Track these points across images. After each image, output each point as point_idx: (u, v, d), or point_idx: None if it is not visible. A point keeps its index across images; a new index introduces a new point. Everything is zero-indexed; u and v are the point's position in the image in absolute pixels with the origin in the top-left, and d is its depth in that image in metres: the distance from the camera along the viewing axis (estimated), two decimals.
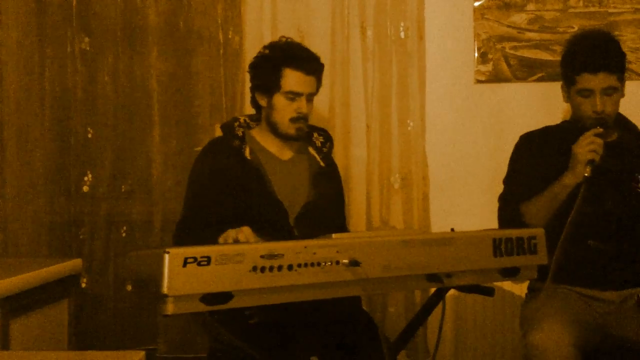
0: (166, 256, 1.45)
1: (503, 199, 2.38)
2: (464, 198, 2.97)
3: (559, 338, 1.95)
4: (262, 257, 1.54)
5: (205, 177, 2.21)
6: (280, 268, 1.55)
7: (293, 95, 2.18)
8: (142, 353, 1.69)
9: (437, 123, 2.98)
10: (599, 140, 2.13)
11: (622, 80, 2.24)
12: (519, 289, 2.69)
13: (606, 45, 2.24)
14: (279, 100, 2.19)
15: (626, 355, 2.15)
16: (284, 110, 2.19)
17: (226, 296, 1.52)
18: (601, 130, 2.15)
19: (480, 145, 2.98)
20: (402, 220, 2.90)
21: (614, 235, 2.22)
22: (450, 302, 2.84)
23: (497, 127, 2.95)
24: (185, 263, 1.46)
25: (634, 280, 2.20)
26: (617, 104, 2.24)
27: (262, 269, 1.54)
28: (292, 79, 2.17)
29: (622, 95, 2.27)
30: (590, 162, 2.10)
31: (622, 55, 2.26)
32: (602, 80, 2.17)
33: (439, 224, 2.92)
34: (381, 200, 2.90)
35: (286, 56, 2.19)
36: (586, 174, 2.09)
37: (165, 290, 1.45)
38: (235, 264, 1.51)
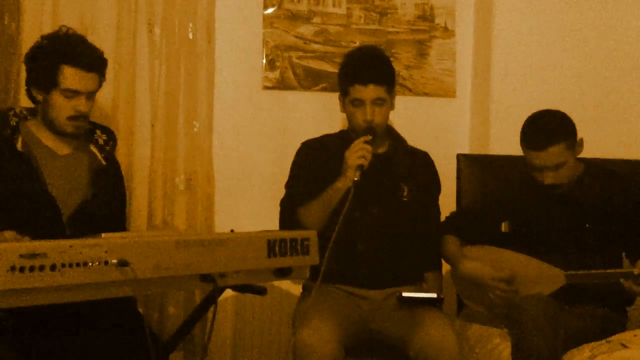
0: None
1: (283, 202, 2.47)
2: (249, 200, 3.01)
3: (325, 335, 2.05)
4: (21, 256, 1.45)
5: None
6: (42, 268, 1.48)
7: (71, 94, 2.09)
8: None
9: (224, 125, 2.98)
10: (368, 147, 2.27)
11: (391, 93, 2.41)
12: (298, 288, 2.79)
13: (376, 60, 2.41)
14: (56, 97, 2.09)
15: (384, 347, 2.31)
16: (61, 108, 2.10)
17: None
18: (370, 137, 2.29)
19: (266, 150, 3.03)
20: (186, 222, 2.85)
21: (379, 238, 2.39)
22: (231, 300, 2.87)
23: (282, 133, 3.03)
24: None
25: (396, 280, 2.38)
26: (386, 114, 2.41)
27: (22, 269, 1.45)
28: (70, 76, 2.08)
29: (392, 108, 2.44)
30: (360, 167, 2.24)
31: (391, 69, 2.43)
32: (371, 91, 2.32)
33: (223, 226, 2.92)
34: (164, 201, 2.83)
35: (65, 52, 2.08)
36: (355, 179, 2.22)
37: None
38: None
